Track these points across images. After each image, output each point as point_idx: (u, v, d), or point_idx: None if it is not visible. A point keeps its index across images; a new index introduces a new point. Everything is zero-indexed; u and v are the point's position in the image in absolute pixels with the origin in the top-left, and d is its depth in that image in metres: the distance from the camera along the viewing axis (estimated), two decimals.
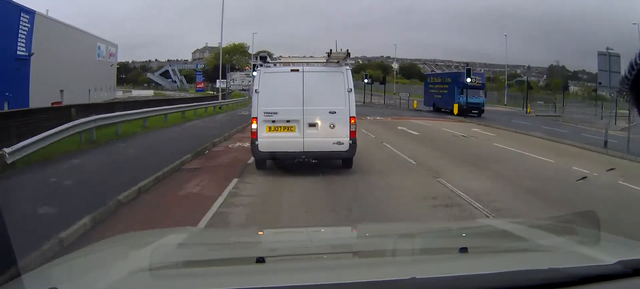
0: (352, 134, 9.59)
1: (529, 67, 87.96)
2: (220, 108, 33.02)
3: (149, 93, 69.26)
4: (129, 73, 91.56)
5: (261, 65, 9.96)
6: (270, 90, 9.56)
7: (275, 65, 10.46)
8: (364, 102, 45.18)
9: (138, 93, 66.21)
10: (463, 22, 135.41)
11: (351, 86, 9.71)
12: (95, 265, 1.85)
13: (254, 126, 9.61)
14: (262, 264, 1.67)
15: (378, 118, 28.09)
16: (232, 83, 32.98)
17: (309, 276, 1.67)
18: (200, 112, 27.89)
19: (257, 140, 9.55)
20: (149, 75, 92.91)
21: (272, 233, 2.92)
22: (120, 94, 59.81)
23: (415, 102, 43.23)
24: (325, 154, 9.71)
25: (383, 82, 50.37)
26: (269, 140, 9.52)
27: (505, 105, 57.20)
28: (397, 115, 32.16)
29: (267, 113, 9.53)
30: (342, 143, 9.58)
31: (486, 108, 35.62)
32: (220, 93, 38.01)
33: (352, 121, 9.60)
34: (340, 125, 9.56)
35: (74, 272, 1.77)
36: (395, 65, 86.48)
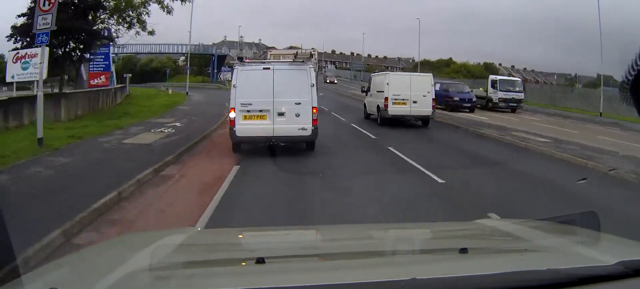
0: (314, 122, 11.16)
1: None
2: None
3: None
4: None
5: (238, 65, 11.68)
6: (245, 85, 11.09)
7: (246, 64, 12.04)
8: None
9: None
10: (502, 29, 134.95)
11: (314, 82, 11.33)
12: (95, 265, 1.85)
13: (232, 115, 11.08)
14: (262, 265, 1.67)
15: None
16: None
17: (309, 276, 1.67)
18: None
19: (234, 127, 11.04)
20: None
21: (272, 233, 2.91)
22: None
23: None
24: (292, 138, 11.29)
25: None
26: (245, 127, 11.05)
27: None
28: None
29: (243, 104, 11.06)
30: (306, 129, 11.13)
31: None
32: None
33: (314, 111, 11.17)
34: (304, 114, 11.11)
35: (74, 272, 1.77)
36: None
